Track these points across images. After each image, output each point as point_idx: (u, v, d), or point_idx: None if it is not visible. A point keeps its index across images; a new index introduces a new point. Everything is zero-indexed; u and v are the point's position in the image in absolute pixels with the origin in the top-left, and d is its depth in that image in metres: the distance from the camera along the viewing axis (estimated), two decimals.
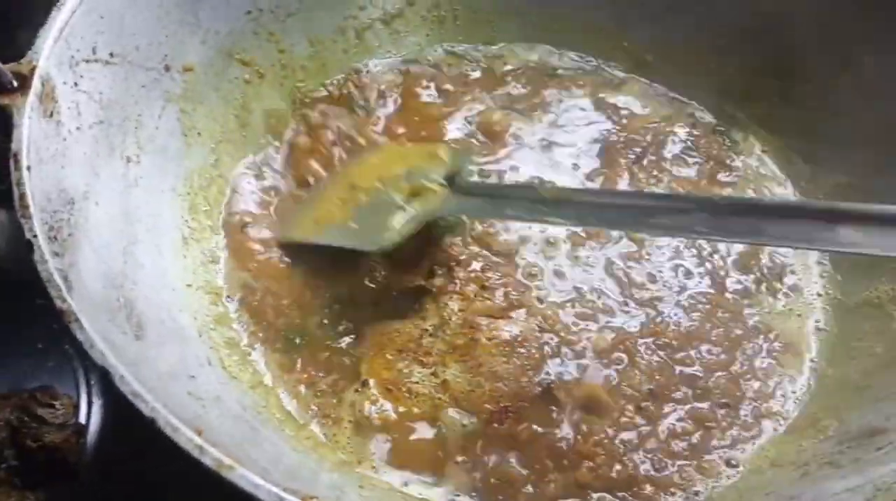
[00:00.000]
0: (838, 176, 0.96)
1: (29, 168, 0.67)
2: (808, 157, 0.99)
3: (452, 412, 0.81)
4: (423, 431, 0.80)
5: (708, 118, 1.06)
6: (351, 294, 0.88)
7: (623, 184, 0.99)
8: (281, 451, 0.73)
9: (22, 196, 0.65)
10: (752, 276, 0.92)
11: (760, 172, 1.01)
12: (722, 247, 0.93)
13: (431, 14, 1.10)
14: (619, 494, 0.78)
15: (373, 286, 0.89)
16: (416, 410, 0.81)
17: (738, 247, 0.93)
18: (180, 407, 0.64)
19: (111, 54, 0.83)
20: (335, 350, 0.85)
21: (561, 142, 1.02)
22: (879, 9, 0.92)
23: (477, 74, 1.08)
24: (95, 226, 0.74)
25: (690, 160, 1.02)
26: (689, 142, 1.03)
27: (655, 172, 1.00)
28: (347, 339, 0.86)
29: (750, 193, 0.99)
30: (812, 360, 0.88)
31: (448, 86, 1.06)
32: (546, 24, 1.10)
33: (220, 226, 0.94)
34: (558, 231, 0.93)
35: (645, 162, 1.00)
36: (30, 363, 1.00)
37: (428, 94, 1.05)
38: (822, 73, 0.98)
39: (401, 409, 0.81)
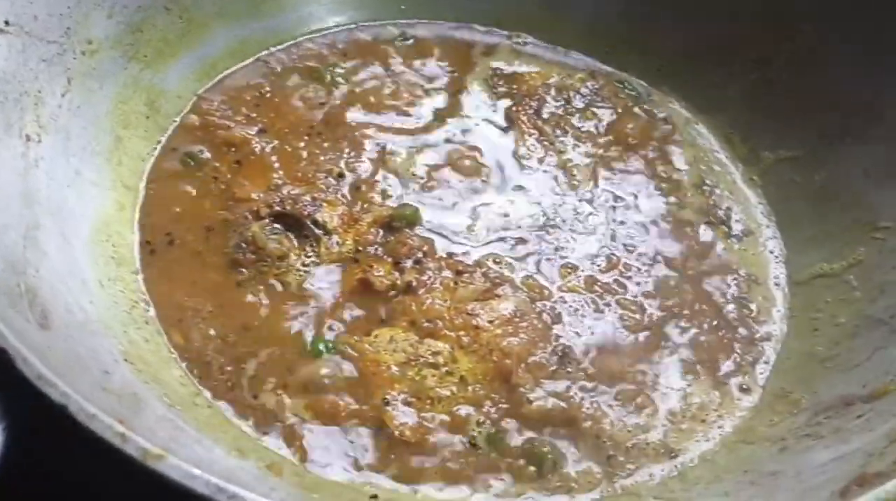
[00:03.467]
0: (780, 151, 0.93)
1: None
2: (747, 133, 0.96)
3: (474, 411, 0.74)
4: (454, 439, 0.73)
5: (633, 90, 1.02)
6: (316, 313, 0.80)
7: (532, 141, 0.94)
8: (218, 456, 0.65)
9: None
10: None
11: (700, 146, 0.98)
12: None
13: None
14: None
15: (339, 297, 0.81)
16: (442, 417, 0.74)
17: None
18: (95, 400, 0.55)
19: (6, 22, 0.75)
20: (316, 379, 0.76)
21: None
22: None
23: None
24: None
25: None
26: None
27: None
28: (327, 369, 0.76)
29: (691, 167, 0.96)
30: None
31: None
32: None
33: (135, 218, 0.84)
34: (512, 203, 0.89)
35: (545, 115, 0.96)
36: None
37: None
38: (761, 46, 0.96)
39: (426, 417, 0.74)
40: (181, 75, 0.95)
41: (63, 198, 0.77)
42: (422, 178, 0.90)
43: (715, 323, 0.83)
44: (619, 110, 0.99)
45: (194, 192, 0.87)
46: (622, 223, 0.89)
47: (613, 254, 0.86)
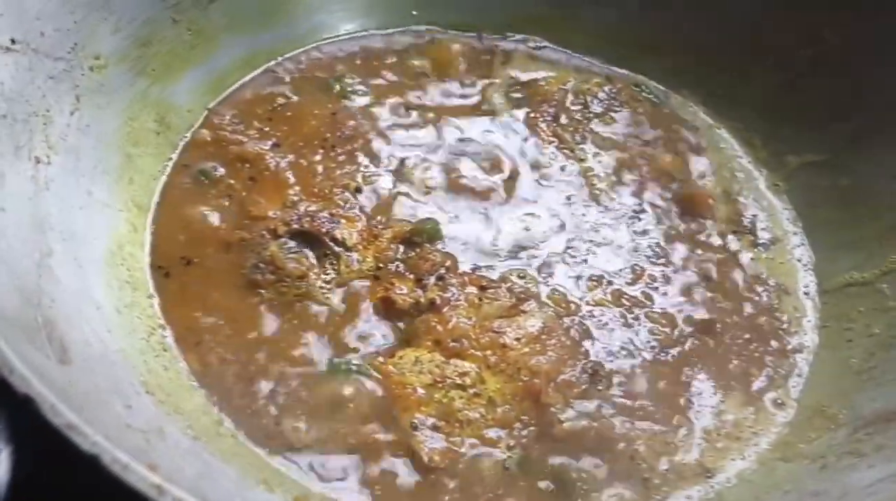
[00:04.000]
0: (805, 155, 0.91)
1: None
2: (769, 137, 0.94)
3: (504, 433, 0.72)
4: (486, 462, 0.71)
5: (651, 93, 1.00)
6: (338, 334, 0.78)
7: (552, 149, 0.93)
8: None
9: None
10: None
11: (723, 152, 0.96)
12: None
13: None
14: None
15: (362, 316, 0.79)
16: (472, 440, 0.72)
17: None
18: (121, 441, 0.53)
19: (12, 40, 0.72)
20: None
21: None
22: None
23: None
24: (4, 235, 0.62)
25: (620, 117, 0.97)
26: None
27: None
28: (350, 387, 0.74)
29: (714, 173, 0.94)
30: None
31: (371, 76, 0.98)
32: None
33: (149, 239, 0.82)
34: (534, 216, 0.87)
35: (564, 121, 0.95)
36: None
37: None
38: (782, 49, 0.93)
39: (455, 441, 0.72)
40: (191, 89, 0.92)
41: (75, 221, 0.75)
42: (441, 191, 0.88)
43: (746, 335, 0.81)
44: (639, 115, 0.97)
45: (209, 211, 0.85)
46: (645, 233, 0.87)
47: (639, 266, 0.84)
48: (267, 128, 0.91)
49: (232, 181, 0.87)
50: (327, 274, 0.81)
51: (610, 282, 0.83)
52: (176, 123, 0.90)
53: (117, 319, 0.72)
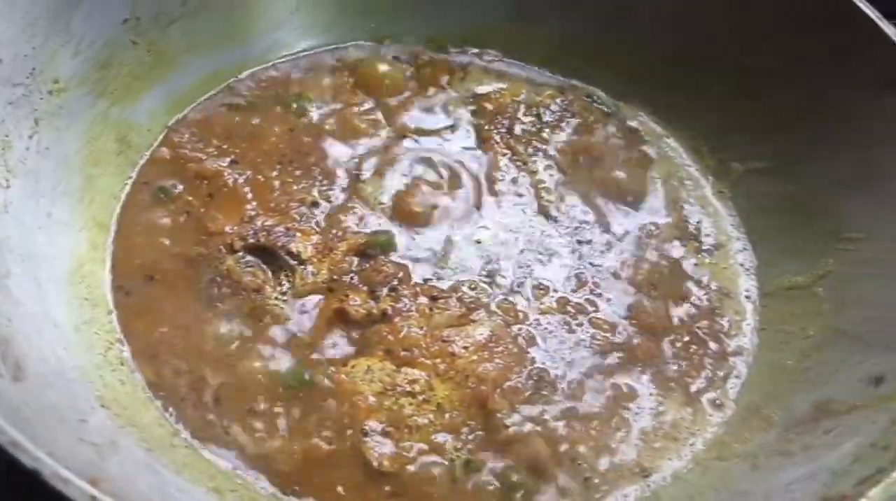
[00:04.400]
0: (750, 162, 0.94)
1: None
2: (716, 146, 0.97)
3: (451, 438, 0.75)
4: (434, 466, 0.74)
5: (602, 104, 1.03)
6: (292, 345, 0.80)
7: (506, 161, 0.96)
8: None
9: None
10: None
11: (672, 160, 0.99)
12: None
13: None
14: None
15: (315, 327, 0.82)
16: (420, 445, 0.75)
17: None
18: (71, 455, 0.56)
19: None
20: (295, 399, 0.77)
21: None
22: None
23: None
24: None
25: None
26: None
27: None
28: (303, 397, 0.77)
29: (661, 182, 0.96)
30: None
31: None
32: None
33: (109, 256, 0.84)
34: (485, 227, 0.90)
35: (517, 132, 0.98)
36: None
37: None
38: (729, 61, 0.96)
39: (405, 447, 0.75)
40: (151, 108, 0.94)
41: (34, 242, 0.77)
42: (395, 204, 0.91)
43: (686, 338, 0.84)
44: (590, 125, 1.00)
45: (168, 227, 0.87)
46: (591, 242, 0.90)
47: (583, 274, 0.87)
48: (225, 146, 0.94)
49: (191, 198, 0.89)
50: (282, 287, 0.84)
51: (556, 291, 0.85)
52: (136, 142, 0.92)
53: (75, 336, 0.75)
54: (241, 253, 0.84)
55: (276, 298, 0.83)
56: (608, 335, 0.83)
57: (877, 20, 0.83)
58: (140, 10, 0.92)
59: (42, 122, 0.82)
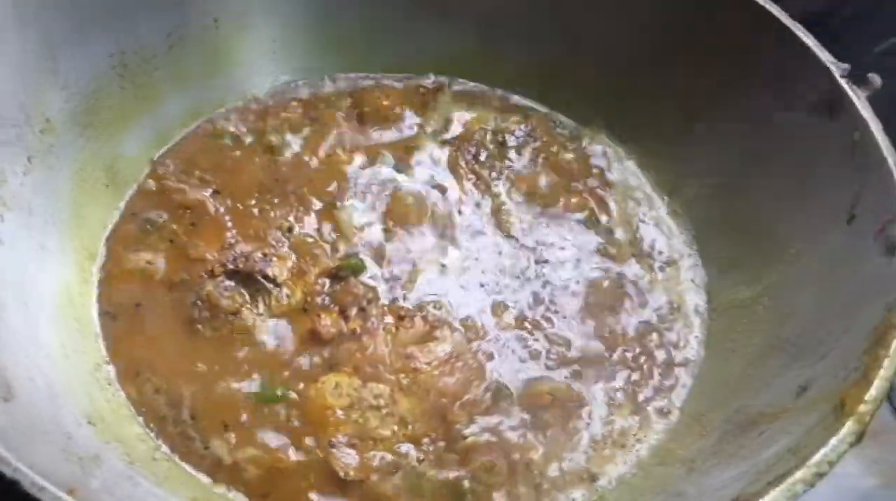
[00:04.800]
0: (702, 181, 0.99)
1: None
2: (671, 166, 1.02)
3: (413, 448, 0.81)
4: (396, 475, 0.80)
5: (565, 129, 1.08)
6: (266, 363, 0.86)
7: (470, 186, 1.01)
8: None
9: None
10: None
11: (628, 182, 1.04)
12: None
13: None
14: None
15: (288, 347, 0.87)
16: (383, 456, 0.81)
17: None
18: (53, 467, 0.61)
19: None
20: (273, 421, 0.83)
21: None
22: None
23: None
24: None
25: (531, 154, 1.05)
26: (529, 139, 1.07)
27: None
28: (275, 411, 0.83)
29: (619, 202, 1.02)
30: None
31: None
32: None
33: (97, 282, 0.91)
34: (450, 249, 0.96)
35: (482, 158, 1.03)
36: None
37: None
38: (682, 84, 1.01)
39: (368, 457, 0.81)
40: (137, 142, 1.01)
41: (27, 271, 0.83)
42: (367, 230, 0.96)
43: (637, 350, 0.89)
44: (552, 149, 1.05)
45: (153, 255, 0.93)
46: (547, 262, 0.95)
47: (540, 292, 0.92)
48: (208, 177, 1.00)
49: (175, 226, 0.95)
50: (259, 309, 0.89)
51: (514, 308, 0.91)
52: (123, 175, 0.99)
53: (64, 358, 0.81)
54: (220, 278, 0.90)
55: (253, 319, 0.88)
56: (562, 349, 0.88)
57: (813, 47, 0.89)
58: (125, 49, 0.98)
59: (35, 160, 0.88)
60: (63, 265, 0.88)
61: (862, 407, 0.64)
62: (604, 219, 1.00)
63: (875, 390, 0.65)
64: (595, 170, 1.04)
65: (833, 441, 0.62)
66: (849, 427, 0.63)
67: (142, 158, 1.01)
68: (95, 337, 0.87)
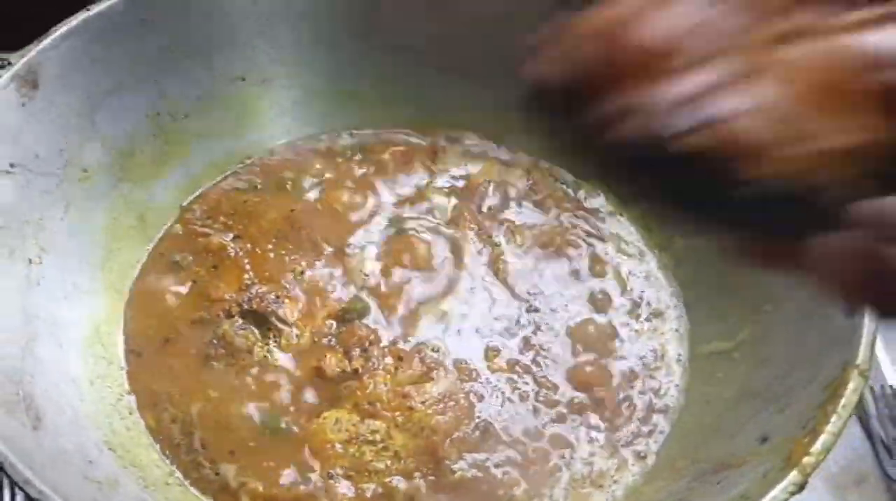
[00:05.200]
0: (691, 237, 1.05)
1: None
2: (662, 223, 1.08)
3: (404, 481, 0.88)
4: None
5: (565, 183, 1.15)
6: (274, 399, 0.93)
7: (472, 235, 1.08)
8: None
9: None
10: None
11: (622, 236, 1.10)
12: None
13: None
14: None
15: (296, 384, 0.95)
16: (376, 488, 0.88)
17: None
18: (75, 490, 0.69)
19: (11, 164, 0.90)
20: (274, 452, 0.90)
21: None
22: None
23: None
24: None
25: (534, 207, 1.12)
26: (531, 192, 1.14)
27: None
28: (279, 448, 0.90)
29: (612, 255, 1.08)
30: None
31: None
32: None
33: (123, 320, 0.99)
34: (450, 296, 1.03)
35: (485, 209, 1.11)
36: None
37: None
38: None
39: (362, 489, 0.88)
40: (167, 190, 1.09)
41: (59, 309, 0.92)
42: (373, 277, 1.04)
43: (621, 396, 0.95)
44: (551, 203, 1.12)
45: (176, 294, 1.01)
46: (539, 310, 1.01)
47: (532, 338, 0.99)
48: (231, 222, 1.08)
49: (198, 269, 1.03)
50: (269, 347, 0.97)
51: (506, 353, 0.97)
52: (153, 220, 1.07)
53: (90, 389, 0.89)
54: (236, 318, 0.98)
55: (264, 357, 0.96)
56: (550, 392, 0.94)
57: None
58: (158, 106, 1.08)
59: (71, 206, 0.97)
60: (93, 303, 0.97)
61: (806, 459, 0.69)
62: (596, 270, 1.06)
63: (820, 444, 0.70)
64: (590, 224, 1.11)
65: (775, 490, 0.67)
66: (791, 477, 0.68)
67: (171, 205, 1.09)
68: (119, 370, 0.94)
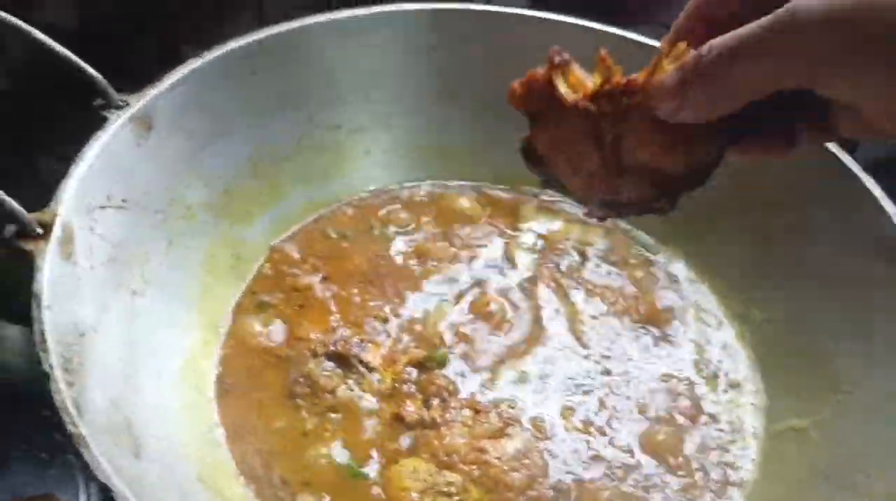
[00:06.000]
0: (770, 312, 1.06)
1: (48, 307, 0.77)
2: (742, 293, 1.09)
3: None
4: None
5: (643, 246, 1.17)
6: (354, 440, 0.96)
7: (550, 294, 1.10)
8: None
9: (41, 332, 0.75)
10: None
11: (700, 304, 1.11)
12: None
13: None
14: None
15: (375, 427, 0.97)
16: None
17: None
18: None
19: (123, 200, 0.95)
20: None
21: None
22: None
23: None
24: (102, 354, 0.84)
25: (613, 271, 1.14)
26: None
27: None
28: (358, 490, 0.92)
29: (690, 322, 1.09)
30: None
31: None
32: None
33: (216, 353, 1.03)
34: (528, 355, 1.04)
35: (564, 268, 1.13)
36: (32, 471, 1.09)
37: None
38: (757, 215, 1.09)
39: None
40: (262, 229, 1.14)
41: (159, 340, 0.96)
42: (454, 326, 1.06)
43: (695, 466, 0.96)
44: (630, 265, 1.14)
45: (266, 333, 1.05)
46: (616, 373, 1.03)
47: (607, 400, 1.00)
48: (319, 264, 1.12)
49: (286, 308, 1.08)
50: (353, 391, 1.00)
51: (581, 413, 0.99)
52: (246, 257, 1.12)
53: (183, 419, 0.93)
54: (321, 358, 1.01)
55: (346, 400, 0.99)
56: (624, 456, 0.96)
57: (879, 196, 0.96)
58: (260, 150, 1.13)
59: (174, 242, 1.02)
60: (189, 336, 1.01)
61: None
62: (673, 336, 1.07)
63: None
64: (669, 289, 1.12)
65: None
66: None
67: (263, 244, 1.14)
68: (209, 402, 0.98)
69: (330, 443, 0.96)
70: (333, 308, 1.08)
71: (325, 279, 1.11)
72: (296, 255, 1.14)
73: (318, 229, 1.18)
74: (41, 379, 0.74)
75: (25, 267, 0.81)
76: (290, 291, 1.10)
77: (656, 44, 1.09)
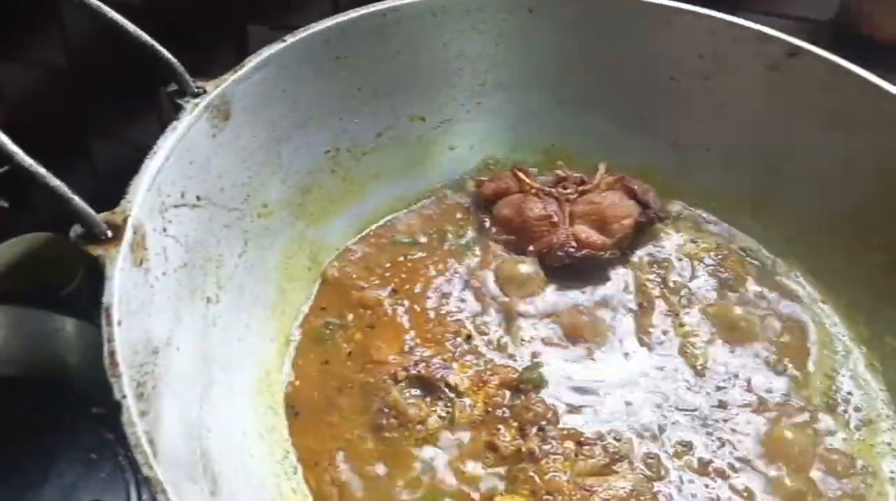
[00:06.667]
0: None
1: (119, 322, 0.67)
2: (871, 316, 0.98)
3: None
4: None
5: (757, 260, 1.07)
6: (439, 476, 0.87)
7: (658, 313, 1.00)
8: None
9: (112, 354, 0.65)
10: None
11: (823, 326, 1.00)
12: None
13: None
14: None
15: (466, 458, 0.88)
16: None
17: None
18: None
19: (198, 197, 0.86)
20: None
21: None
22: None
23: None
24: (177, 373, 0.75)
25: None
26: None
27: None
28: None
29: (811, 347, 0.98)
30: None
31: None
32: None
33: (287, 374, 0.94)
34: (634, 381, 0.94)
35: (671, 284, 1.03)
36: (81, 473, 1.02)
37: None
38: (887, 230, 0.97)
39: None
40: (340, 230, 1.06)
41: (233, 351, 0.87)
42: (549, 345, 0.96)
43: None
44: (743, 281, 1.03)
45: (337, 354, 0.96)
46: (735, 404, 0.92)
47: (726, 437, 0.89)
48: (388, 275, 1.03)
49: (356, 326, 0.98)
50: (443, 419, 0.90)
51: (697, 451, 0.88)
52: (323, 260, 1.03)
53: (259, 443, 0.84)
54: (403, 384, 0.92)
55: (436, 429, 0.89)
56: None
57: None
58: (340, 143, 1.04)
59: (250, 242, 0.94)
60: (263, 347, 0.93)
61: None
62: (794, 363, 0.96)
63: None
64: (787, 310, 1.01)
65: None
66: None
67: (341, 245, 1.06)
68: (285, 423, 0.90)
69: (415, 477, 0.86)
70: (407, 324, 0.98)
71: (394, 291, 1.01)
72: (363, 264, 1.04)
73: (389, 236, 1.08)
74: (95, 376, 0.65)
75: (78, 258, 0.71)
76: (358, 308, 1.00)
77: (775, 33, 1.00)
